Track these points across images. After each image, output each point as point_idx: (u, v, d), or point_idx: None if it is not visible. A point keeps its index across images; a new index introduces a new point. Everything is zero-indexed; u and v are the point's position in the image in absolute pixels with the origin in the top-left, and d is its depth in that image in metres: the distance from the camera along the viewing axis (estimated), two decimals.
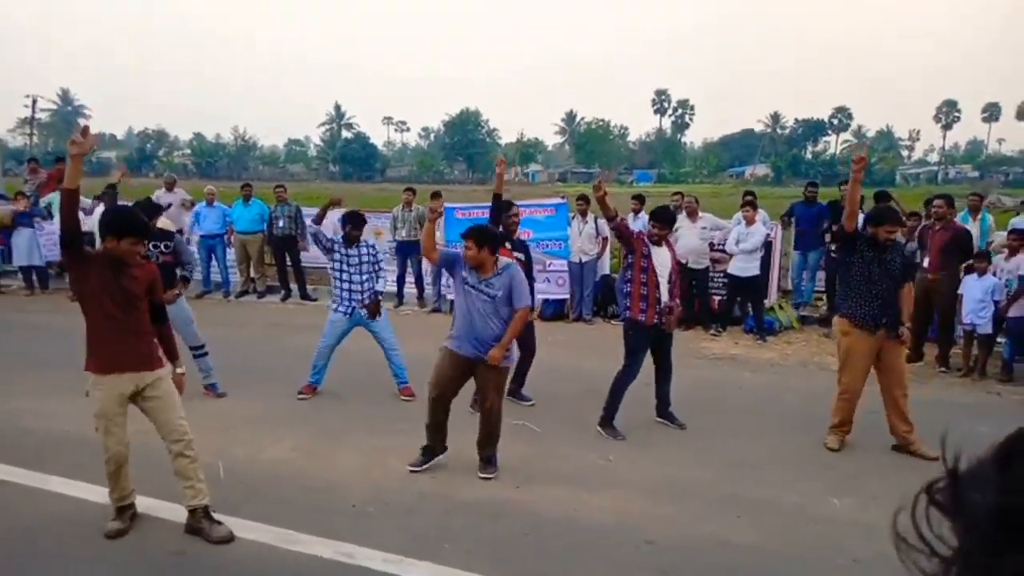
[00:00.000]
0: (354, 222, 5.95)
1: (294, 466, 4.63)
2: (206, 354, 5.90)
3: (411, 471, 4.43)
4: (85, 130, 3.36)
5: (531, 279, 5.66)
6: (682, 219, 9.05)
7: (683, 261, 8.75)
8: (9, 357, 7.20)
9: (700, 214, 8.95)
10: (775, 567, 3.50)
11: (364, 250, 5.94)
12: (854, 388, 5.03)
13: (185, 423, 3.70)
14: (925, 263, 7.32)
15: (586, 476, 4.56)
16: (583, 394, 5.80)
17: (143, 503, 3.86)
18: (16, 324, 8.98)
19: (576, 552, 3.62)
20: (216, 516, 3.69)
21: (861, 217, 5.46)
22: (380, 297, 6.04)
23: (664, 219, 5.29)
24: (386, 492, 4.25)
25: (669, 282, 5.19)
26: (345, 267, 5.87)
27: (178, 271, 5.96)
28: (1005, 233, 7.74)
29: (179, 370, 3.86)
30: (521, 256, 5.68)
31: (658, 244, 5.20)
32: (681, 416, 5.41)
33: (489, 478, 4.40)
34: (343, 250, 5.87)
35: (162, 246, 5.78)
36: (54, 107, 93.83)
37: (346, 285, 5.88)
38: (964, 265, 7.17)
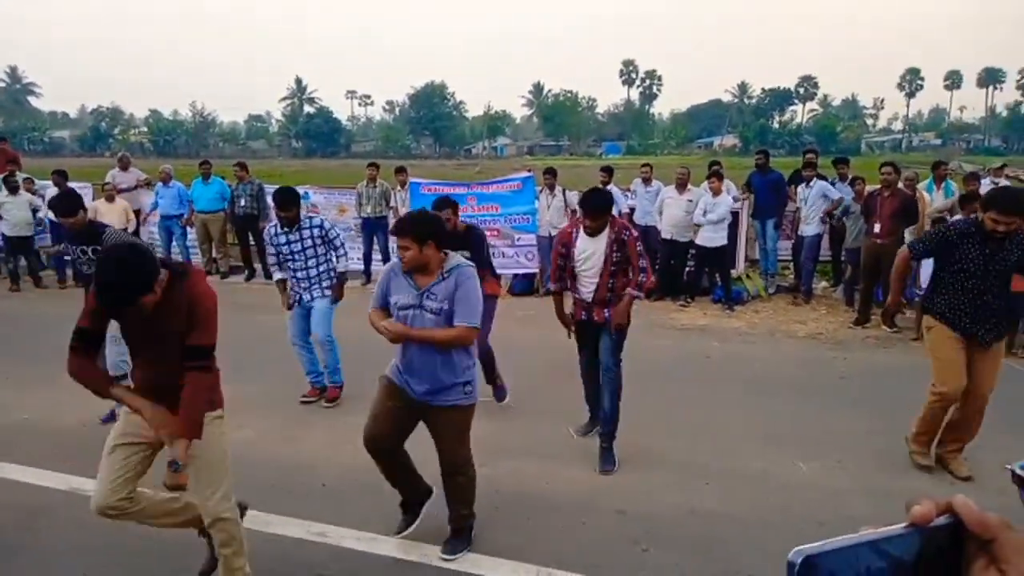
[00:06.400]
0: (280, 202, 5.10)
1: (264, 447, 4.57)
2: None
3: (399, 536, 3.48)
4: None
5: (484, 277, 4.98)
6: (669, 190, 9.03)
7: (668, 236, 8.83)
8: None
9: (690, 187, 8.92)
10: (742, 533, 3.55)
11: (307, 232, 5.16)
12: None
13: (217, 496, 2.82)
14: (876, 228, 7.55)
15: (554, 449, 4.58)
16: (550, 368, 5.81)
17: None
18: None
19: (547, 525, 3.64)
20: None
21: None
22: (346, 278, 5.47)
23: (589, 207, 4.23)
24: (356, 471, 4.21)
25: (600, 276, 4.30)
26: (287, 254, 5.18)
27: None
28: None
29: (173, 454, 2.68)
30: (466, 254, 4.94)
31: (592, 235, 4.30)
32: (651, 386, 5.38)
33: (448, 559, 3.30)
34: (281, 238, 5.15)
35: (90, 251, 4.52)
36: (2, 85, 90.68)
37: (292, 274, 5.24)
38: (909, 229, 7.51)
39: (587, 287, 4.38)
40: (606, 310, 4.36)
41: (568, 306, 4.62)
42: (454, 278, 3.16)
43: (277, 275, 5.38)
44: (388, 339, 3.20)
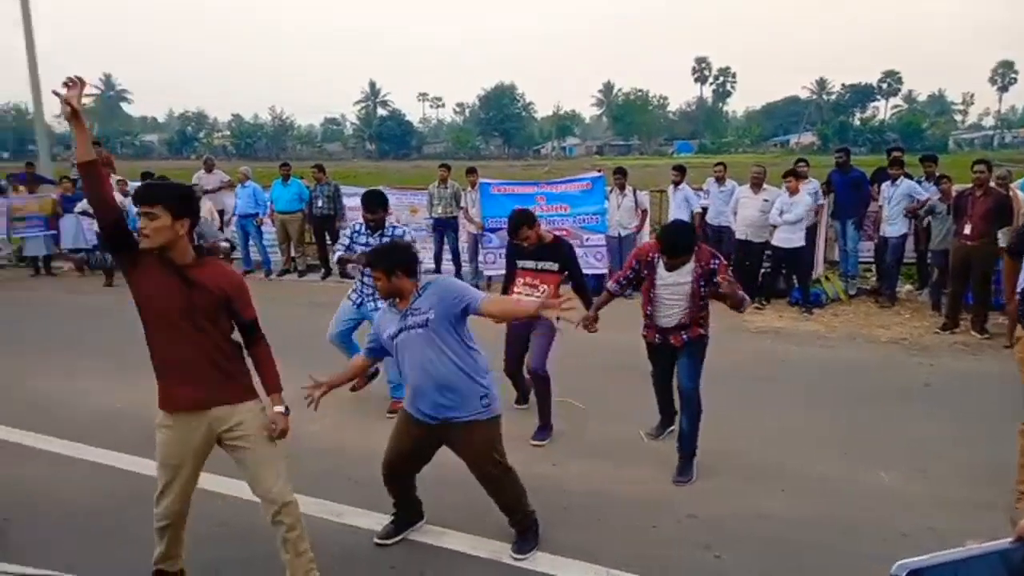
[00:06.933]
0: (366, 204, 5.16)
1: (338, 440, 4.71)
2: None
3: (377, 544, 3.48)
4: (70, 84, 2.49)
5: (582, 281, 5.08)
6: (744, 190, 8.82)
7: (742, 236, 8.63)
8: (64, 338, 7.46)
9: (765, 186, 8.69)
10: (818, 540, 3.44)
11: (388, 240, 4.93)
12: None
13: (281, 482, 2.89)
14: (966, 229, 7.16)
15: (624, 451, 4.55)
16: (619, 369, 5.75)
17: None
18: (69, 305, 9.30)
19: (616, 526, 3.62)
20: None
21: None
22: None
23: (670, 247, 4.04)
24: (428, 465, 4.28)
25: (684, 309, 4.18)
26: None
27: None
28: None
29: (277, 408, 2.90)
30: (554, 267, 4.83)
31: (671, 270, 4.15)
32: (724, 389, 5.25)
33: (519, 559, 3.33)
34: (361, 238, 5.17)
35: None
36: (97, 92, 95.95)
37: (360, 277, 5.22)
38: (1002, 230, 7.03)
39: (666, 315, 4.23)
40: (684, 333, 4.23)
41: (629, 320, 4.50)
42: (431, 290, 3.24)
43: (340, 253, 5.29)
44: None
